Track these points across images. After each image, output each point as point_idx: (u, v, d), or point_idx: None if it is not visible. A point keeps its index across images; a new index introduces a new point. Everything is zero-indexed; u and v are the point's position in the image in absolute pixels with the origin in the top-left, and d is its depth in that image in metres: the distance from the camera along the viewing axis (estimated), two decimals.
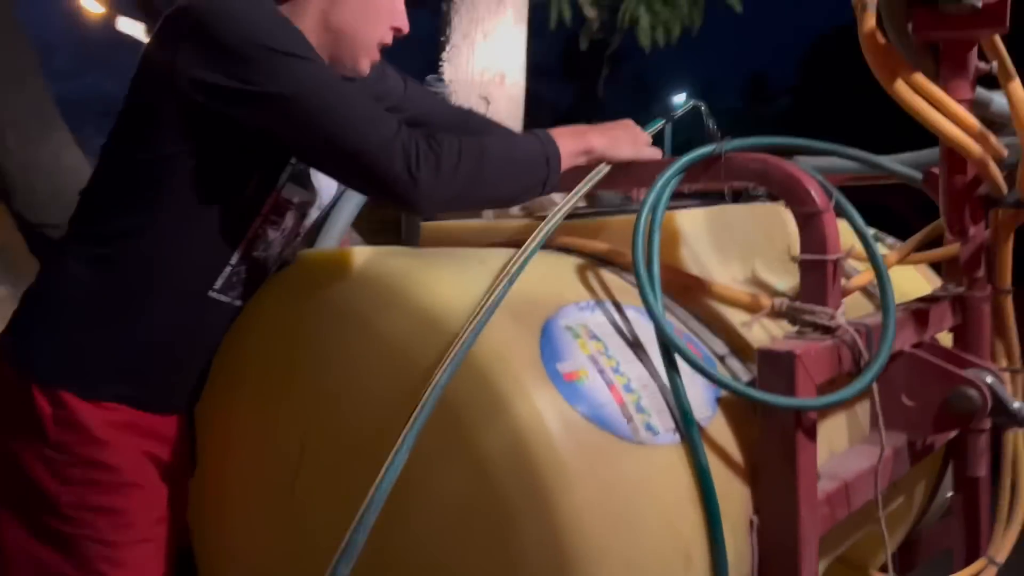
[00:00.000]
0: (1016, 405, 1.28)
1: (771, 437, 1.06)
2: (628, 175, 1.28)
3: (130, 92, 1.23)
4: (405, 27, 1.34)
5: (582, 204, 1.40)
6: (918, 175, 1.38)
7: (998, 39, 1.26)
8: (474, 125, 1.62)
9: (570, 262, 1.23)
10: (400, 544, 1.00)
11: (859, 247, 1.21)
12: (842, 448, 1.28)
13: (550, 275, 1.16)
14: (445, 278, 1.07)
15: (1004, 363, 1.50)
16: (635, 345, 1.08)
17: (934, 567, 1.75)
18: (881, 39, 1.21)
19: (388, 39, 1.34)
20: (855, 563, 1.49)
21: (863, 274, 1.40)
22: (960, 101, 1.23)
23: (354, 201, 1.53)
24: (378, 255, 1.10)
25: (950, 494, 1.68)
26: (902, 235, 1.78)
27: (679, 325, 1.17)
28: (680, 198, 1.32)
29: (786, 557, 1.04)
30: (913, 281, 1.71)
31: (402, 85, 1.56)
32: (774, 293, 1.33)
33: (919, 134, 1.34)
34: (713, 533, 1.00)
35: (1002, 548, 1.55)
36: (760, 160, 1.18)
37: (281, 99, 1.13)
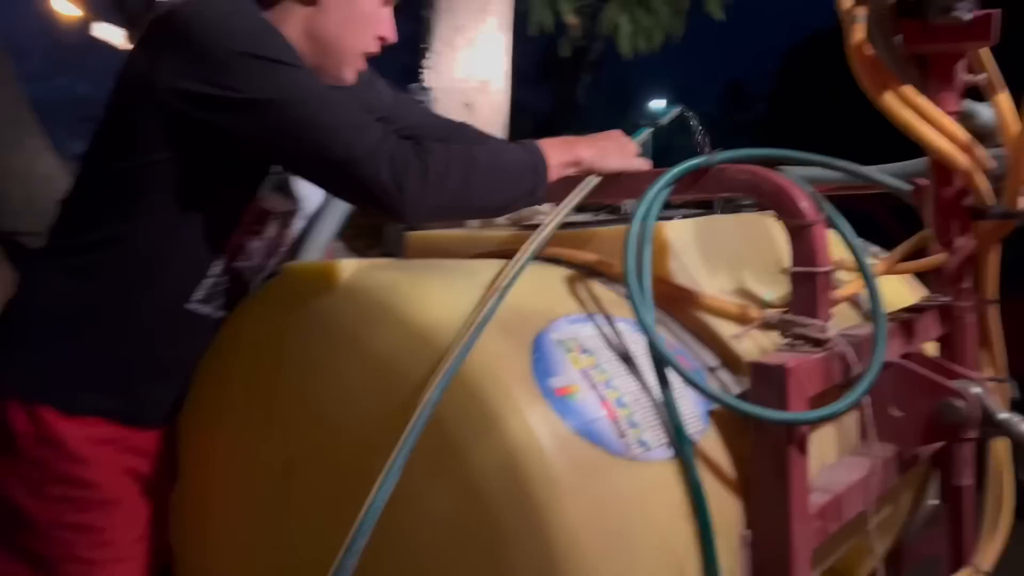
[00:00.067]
0: (1002, 416, 1.28)
1: (763, 451, 1.05)
2: (617, 186, 1.28)
3: (110, 101, 1.21)
4: (391, 36, 1.33)
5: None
6: (907, 186, 1.38)
7: (986, 51, 1.26)
8: (464, 137, 1.61)
9: (559, 273, 1.22)
10: (391, 562, 0.98)
11: (847, 256, 1.21)
12: (832, 459, 1.28)
13: (540, 287, 1.14)
14: (434, 292, 1.05)
15: (989, 373, 1.50)
16: (626, 359, 1.07)
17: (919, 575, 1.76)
18: (869, 51, 1.21)
19: (374, 48, 1.32)
20: (842, 573, 1.49)
21: (851, 284, 1.40)
22: (948, 113, 1.23)
23: (339, 210, 1.51)
24: (365, 268, 1.08)
25: (934, 502, 1.69)
26: (880, 241, 1.79)
27: (670, 337, 1.16)
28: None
29: (779, 572, 1.03)
30: (896, 288, 1.72)
31: (390, 95, 1.54)
32: (762, 304, 1.33)
33: (893, 139, 1.34)
34: (706, 549, 0.99)
35: (988, 557, 1.56)
36: (750, 172, 1.17)
37: (265, 106, 1.11)
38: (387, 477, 0.89)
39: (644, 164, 1.32)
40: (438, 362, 0.94)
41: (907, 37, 1.23)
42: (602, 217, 1.51)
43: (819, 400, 1.09)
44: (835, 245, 1.21)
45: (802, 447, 1.06)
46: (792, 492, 1.03)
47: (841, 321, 1.36)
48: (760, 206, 1.43)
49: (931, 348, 1.51)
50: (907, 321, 1.37)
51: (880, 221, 3.14)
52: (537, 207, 1.38)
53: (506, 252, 1.27)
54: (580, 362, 1.02)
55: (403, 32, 1.38)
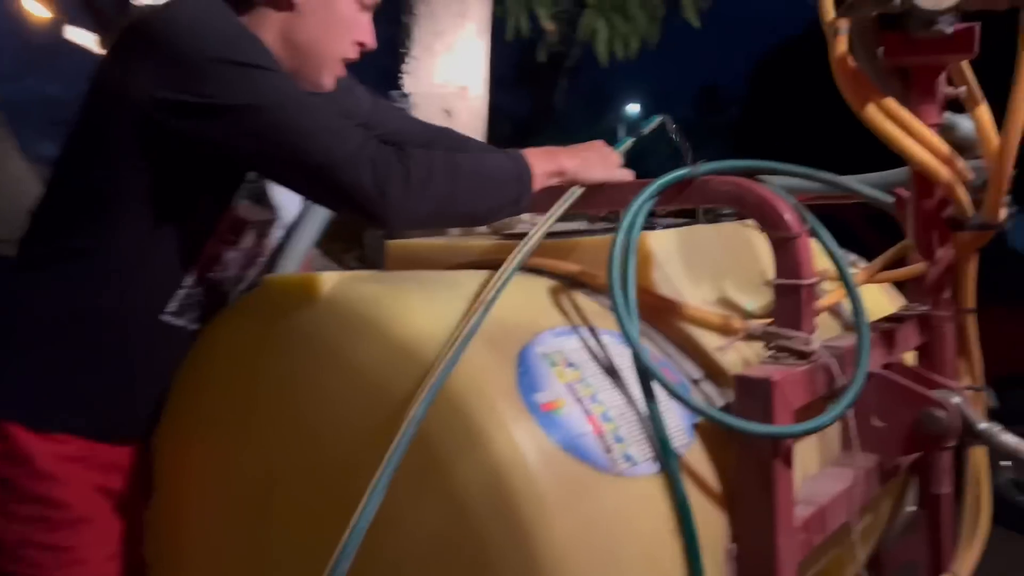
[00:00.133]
0: (982, 426, 1.29)
1: (748, 465, 1.05)
2: (600, 197, 1.27)
3: (82, 108, 1.18)
4: (370, 42, 1.31)
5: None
6: (888, 198, 1.39)
7: (967, 64, 1.27)
8: (446, 141, 1.60)
9: (542, 285, 1.21)
10: None
11: (828, 265, 1.22)
12: (814, 470, 1.28)
13: (524, 299, 1.13)
14: (417, 305, 1.04)
15: (967, 382, 1.52)
16: (611, 372, 1.06)
17: None
18: (852, 63, 1.21)
19: (353, 54, 1.30)
20: None
21: (832, 294, 1.40)
22: (929, 126, 1.23)
23: (318, 219, 1.49)
24: (346, 281, 1.06)
25: (911, 508, 1.70)
26: (855, 247, 1.80)
27: (653, 349, 1.16)
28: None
29: None
30: (874, 297, 1.73)
31: (369, 101, 1.53)
32: (745, 314, 1.32)
33: (865, 143, 1.34)
34: (692, 564, 0.98)
35: (966, 564, 1.57)
36: (734, 183, 1.17)
37: (242, 112, 1.09)
38: (372, 496, 0.87)
39: (627, 175, 1.32)
40: (422, 377, 0.93)
41: (889, 49, 1.23)
42: (584, 227, 1.50)
43: (803, 412, 1.09)
44: (815, 252, 1.21)
45: (787, 460, 1.06)
46: (777, 505, 1.03)
47: (822, 331, 1.37)
48: (741, 215, 1.43)
49: (910, 357, 1.52)
50: (888, 331, 1.37)
51: (856, 229, 3.17)
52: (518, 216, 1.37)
53: (488, 262, 1.26)
54: (565, 376, 1.01)
55: (382, 36, 1.36)
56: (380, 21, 1.34)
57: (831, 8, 1.24)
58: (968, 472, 1.58)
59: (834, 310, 1.49)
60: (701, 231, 1.46)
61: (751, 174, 1.21)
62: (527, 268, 1.28)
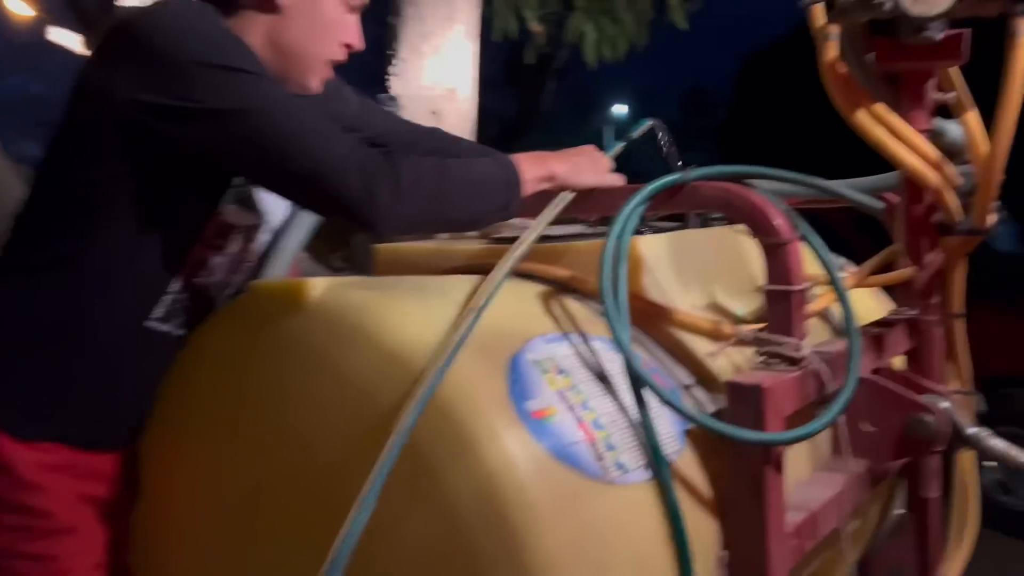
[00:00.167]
0: (971, 431, 1.29)
1: (739, 471, 1.04)
2: (591, 202, 1.26)
3: (66, 110, 1.16)
4: (358, 43, 1.30)
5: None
6: (878, 204, 1.39)
7: (956, 71, 1.28)
8: (436, 142, 1.59)
9: (533, 290, 1.20)
10: None
11: (818, 269, 1.22)
12: (805, 474, 1.28)
13: (514, 305, 1.13)
14: (407, 312, 1.03)
15: (955, 385, 1.52)
16: (602, 378, 1.06)
17: None
18: (842, 69, 1.21)
19: (340, 56, 1.29)
20: None
21: (822, 298, 1.40)
22: (919, 131, 1.24)
23: (306, 223, 1.48)
24: (335, 287, 1.05)
25: (900, 511, 1.71)
26: (841, 248, 1.80)
27: (644, 355, 1.15)
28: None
29: None
30: (863, 301, 1.73)
31: (357, 103, 1.51)
32: (735, 319, 1.32)
33: (849, 144, 1.34)
34: (684, 572, 0.98)
35: (954, 567, 1.58)
36: (725, 189, 1.17)
37: (228, 117, 1.08)
38: (362, 506, 0.87)
39: (617, 179, 1.31)
40: (412, 385, 0.92)
41: (879, 55, 1.23)
42: (576, 231, 1.49)
43: (794, 418, 1.09)
44: (805, 256, 1.21)
45: (778, 467, 1.06)
46: (769, 512, 1.03)
47: (811, 335, 1.37)
48: (730, 219, 1.43)
49: (898, 361, 1.52)
50: (877, 336, 1.38)
51: (841, 230, 3.18)
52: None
53: (477, 266, 1.25)
54: (556, 383, 1.00)
55: (368, 36, 1.35)
56: (366, 21, 1.33)
57: (821, 14, 1.24)
58: (956, 476, 1.59)
59: (823, 314, 1.49)
60: (691, 235, 1.46)
61: (741, 179, 1.20)
62: (517, 273, 1.27)
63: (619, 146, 1.40)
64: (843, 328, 1.24)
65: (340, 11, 1.25)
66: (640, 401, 1.02)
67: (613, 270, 1.09)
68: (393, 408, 0.92)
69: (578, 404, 0.99)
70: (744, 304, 1.38)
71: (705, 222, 1.59)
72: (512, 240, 1.20)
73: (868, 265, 1.51)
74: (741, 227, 1.35)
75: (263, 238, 1.38)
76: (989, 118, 1.23)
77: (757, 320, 1.28)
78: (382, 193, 1.08)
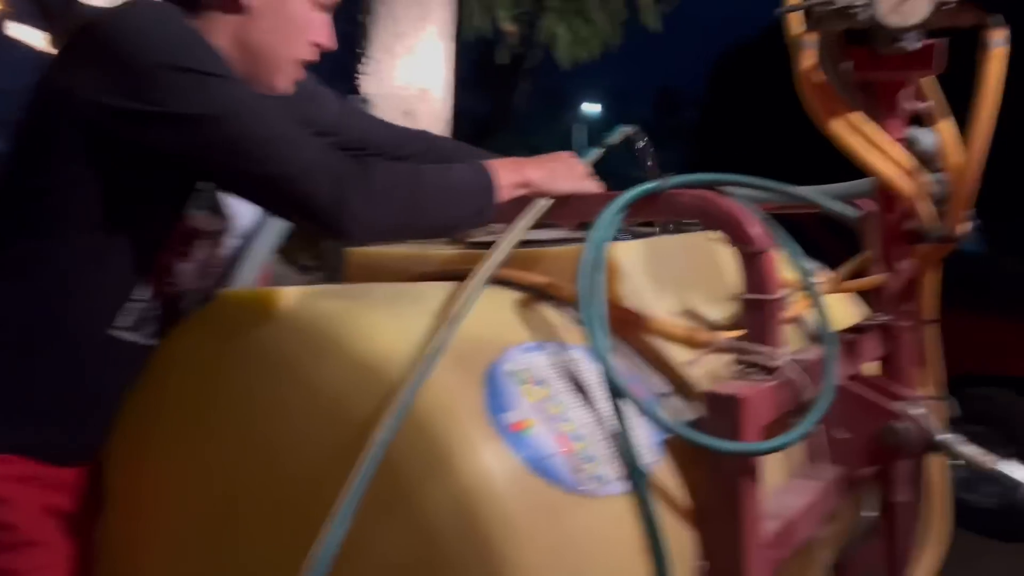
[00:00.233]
0: (943, 437, 1.30)
1: (717, 482, 1.04)
2: (567, 209, 1.25)
3: (28, 111, 1.13)
4: (328, 42, 1.27)
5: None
6: (853, 212, 1.39)
7: (931, 80, 1.28)
8: (420, 145, 1.56)
9: (509, 298, 1.19)
10: None
11: (792, 274, 1.22)
12: (780, 482, 1.28)
13: (490, 313, 1.11)
14: (381, 323, 1.01)
15: (927, 391, 1.53)
16: (580, 389, 1.05)
17: None
18: (818, 77, 1.21)
19: (310, 56, 1.26)
20: None
21: (796, 304, 1.40)
22: (894, 140, 1.24)
23: (275, 228, 1.45)
24: (307, 296, 1.03)
25: (870, 514, 1.72)
26: (811, 249, 1.80)
27: (621, 363, 1.14)
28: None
29: None
30: (836, 305, 1.74)
31: (336, 105, 1.49)
32: (710, 325, 1.32)
33: (817, 144, 1.35)
34: None
35: (925, 571, 1.59)
36: (701, 197, 1.16)
37: (195, 121, 1.05)
38: (337, 521, 0.85)
39: (594, 186, 1.30)
40: (387, 397, 0.90)
41: (856, 64, 1.24)
42: (552, 236, 1.48)
43: (771, 426, 1.08)
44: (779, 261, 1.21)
45: (755, 476, 1.05)
46: (746, 522, 1.03)
47: (787, 341, 1.37)
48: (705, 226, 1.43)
49: (871, 367, 1.53)
50: (851, 342, 1.38)
51: (812, 232, 3.21)
52: None
53: (452, 272, 1.24)
54: (534, 394, 0.99)
55: (338, 33, 1.32)
56: (336, 19, 1.31)
57: (798, 22, 1.24)
58: (927, 479, 1.60)
59: (798, 318, 1.49)
60: (666, 242, 1.46)
61: (718, 187, 1.20)
62: (493, 279, 1.26)
63: (595, 152, 1.40)
64: (818, 334, 1.24)
65: (309, 9, 1.23)
66: (618, 412, 1.01)
67: (590, 279, 1.08)
68: (368, 421, 0.90)
69: (556, 415, 0.98)
70: (720, 311, 1.38)
71: (678, 226, 1.59)
72: (487, 245, 1.18)
73: (843, 271, 1.52)
74: (715, 233, 1.35)
75: (231, 243, 1.35)
76: (965, 127, 1.24)
77: (733, 327, 1.28)
78: (353, 198, 1.06)
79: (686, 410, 1.16)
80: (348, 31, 2.72)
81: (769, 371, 1.11)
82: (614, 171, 1.52)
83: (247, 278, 1.40)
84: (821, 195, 1.39)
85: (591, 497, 0.95)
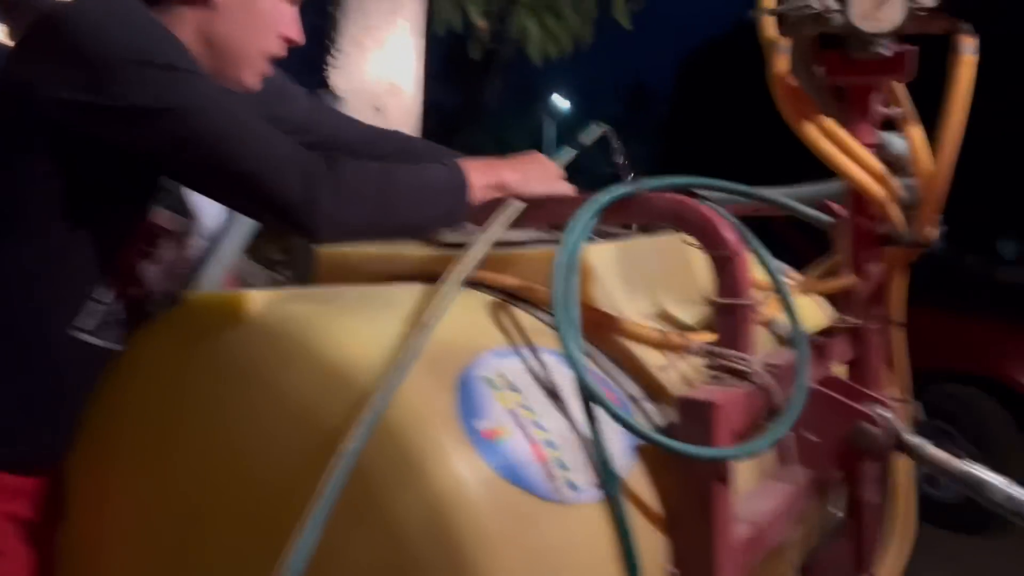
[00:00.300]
0: (911, 440, 1.31)
1: (689, 487, 1.04)
2: (540, 211, 1.24)
3: None
4: (296, 36, 1.25)
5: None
6: (827, 218, 1.40)
7: (902, 86, 1.29)
8: (392, 144, 1.54)
9: (482, 301, 1.18)
10: None
11: (762, 275, 1.22)
12: (751, 485, 1.28)
13: (463, 317, 1.10)
14: (352, 328, 0.99)
15: (894, 393, 1.55)
16: (554, 394, 1.04)
17: None
18: (792, 81, 1.22)
19: (278, 50, 1.24)
20: None
21: (768, 307, 1.41)
22: (865, 145, 1.25)
23: (243, 228, 1.42)
24: (276, 301, 1.01)
25: (836, 512, 1.74)
26: (778, 248, 1.81)
27: (594, 368, 1.14)
28: None
29: None
30: (805, 306, 1.75)
31: (306, 102, 1.46)
32: (682, 327, 1.32)
33: (783, 139, 1.35)
34: None
35: (889, 568, 1.61)
36: (675, 201, 1.16)
37: (159, 116, 1.02)
38: (307, 530, 0.83)
39: (567, 188, 1.29)
40: (358, 405, 0.88)
41: (828, 69, 1.24)
42: (523, 237, 1.47)
43: (743, 430, 1.08)
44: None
45: (727, 482, 1.06)
46: (718, 528, 1.02)
47: (757, 342, 1.37)
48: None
49: (839, 369, 1.54)
50: (821, 345, 1.39)
51: (782, 232, 3.23)
52: None
53: (425, 273, 1.22)
54: (507, 401, 0.98)
55: (307, 25, 1.30)
56: (305, 11, 1.28)
57: (772, 26, 1.24)
58: (893, 479, 1.62)
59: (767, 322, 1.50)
60: (639, 243, 1.45)
61: (691, 191, 1.20)
62: (465, 281, 1.24)
63: (569, 153, 1.39)
64: (789, 337, 1.25)
65: (277, 3, 1.20)
66: (592, 418, 1.00)
67: (565, 283, 1.07)
68: (338, 428, 0.88)
69: (529, 422, 0.97)
70: (692, 313, 1.38)
71: (645, 227, 1.58)
72: (460, 246, 1.17)
73: (813, 273, 1.53)
74: (686, 235, 1.34)
75: (196, 243, 1.32)
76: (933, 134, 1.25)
77: (705, 329, 1.28)
78: (323, 197, 1.04)
79: (658, 414, 1.16)
80: (317, 24, 2.68)
81: (742, 376, 1.11)
82: (585, 167, 1.52)
83: (214, 279, 1.37)
84: (794, 200, 1.40)
85: (564, 505, 0.94)
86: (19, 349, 1.09)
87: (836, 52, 1.22)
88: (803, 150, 1.32)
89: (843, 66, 1.22)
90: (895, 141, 1.30)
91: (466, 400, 0.94)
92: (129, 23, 1.05)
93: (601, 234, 1.41)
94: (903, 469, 1.60)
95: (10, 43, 1.21)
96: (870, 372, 1.48)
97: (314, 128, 1.42)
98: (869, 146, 1.28)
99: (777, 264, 1.36)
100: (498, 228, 1.16)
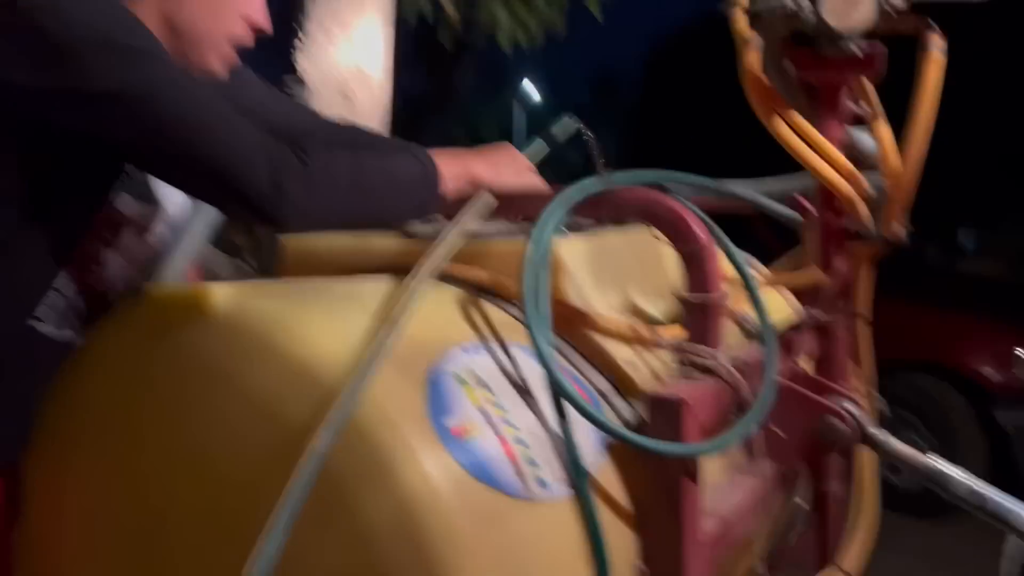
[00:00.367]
0: (876, 433, 1.33)
1: (658, 484, 1.04)
2: (509, 204, 1.23)
3: None
4: (263, 23, 1.23)
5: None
6: (797, 216, 1.41)
7: (871, 85, 1.30)
8: (344, 135, 1.52)
9: (451, 295, 1.17)
10: None
11: (730, 269, 1.23)
12: (718, 478, 1.29)
13: (432, 312, 1.09)
14: (319, 324, 0.97)
15: (858, 386, 1.57)
16: (523, 390, 1.03)
17: None
18: (762, 77, 1.22)
19: (244, 36, 1.22)
20: None
21: (735, 301, 1.41)
22: (834, 142, 1.26)
23: (208, 216, 1.39)
24: (240, 295, 0.99)
25: (801, 505, 1.76)
26: (746, 240, 1.82)
27: (564, 363, 1.13)
28: None
29: None
30: (772, 299, 1.76)
31: (261, 89, 1.44)
32: (651, 320, 1.32)
33: (752, 130, 1.36)
34: None
35: (853, 559, 1.64)
36: (644, 196, 1.16)
37: (120, 100, 1.00)
38: (273, 533, 0.82)
39: (538, 181, 1.29)
40: (324, 404, 0.87)
41: (799, 65, 1.25)
42: (491, 229, 1.46)
43: (712, 426, 1.09)
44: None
45: (695, 478, 1.06)
46: (686, 524, 1.03)
47: (724, 335, 1.38)
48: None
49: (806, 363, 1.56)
50: (789, 340, 1.40)
51: (748, 223, 3.25)
52: None
53: (393, 265, 1.21)
54: (477, 397, 0.97)
55: (273, 10, 1.27)
56: None
57: (743, 21, 1.24)
58: (856, 469, 1.64)
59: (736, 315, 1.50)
60: (609, 237, 1.45)
61: (660, 185, 1.20)
62: (434, 275, 1.23)
63: (539, 145, 1.38)
64: (757, 332, 1.25)
65: None
66: (562, 414, 1.00)
67: (535, 278, 1.07)
68: (305, 427, 0.87)
69: (499, 419, 0.96)
70: (658, 305, 1.38)
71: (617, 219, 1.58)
72: (429, 237, 1.16)
73: (780, 266, 1.54)
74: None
75: (160, 231, 1.29)
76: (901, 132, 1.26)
77: (674, 322, 1.28)
78: (291, 187, 1.03)
79: (627, 409, 1.16)
80: (282, 10, 2.64)
81: (710, 372, 1.11)
82: (554, 156, 1.51)
83: (177, 269, 1.34)
84: (764, 194, 1.40)
85: (534, 502, 0.94)
86: None
87: (807, 49, 1.22)
88: (772, 140, 1.33)
89: (814, 63, 1.23)
90: (864, 139, 1.31)
91: (435, 397, 0.93)
92: (89, 2, 1.02)
93: (572, 226, 1.41)
94: (868, 461, 1.63)
95: None
96: (836, 366, 1.49)
97: (267, 115, 1.40)
98: (838, 143, 1.28)
99: (745, 257, 1.37)
100: (468, 221, 1.15)
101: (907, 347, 4.06)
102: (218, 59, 1.19)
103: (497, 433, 0.95)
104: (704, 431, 1.06)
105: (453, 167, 1.19)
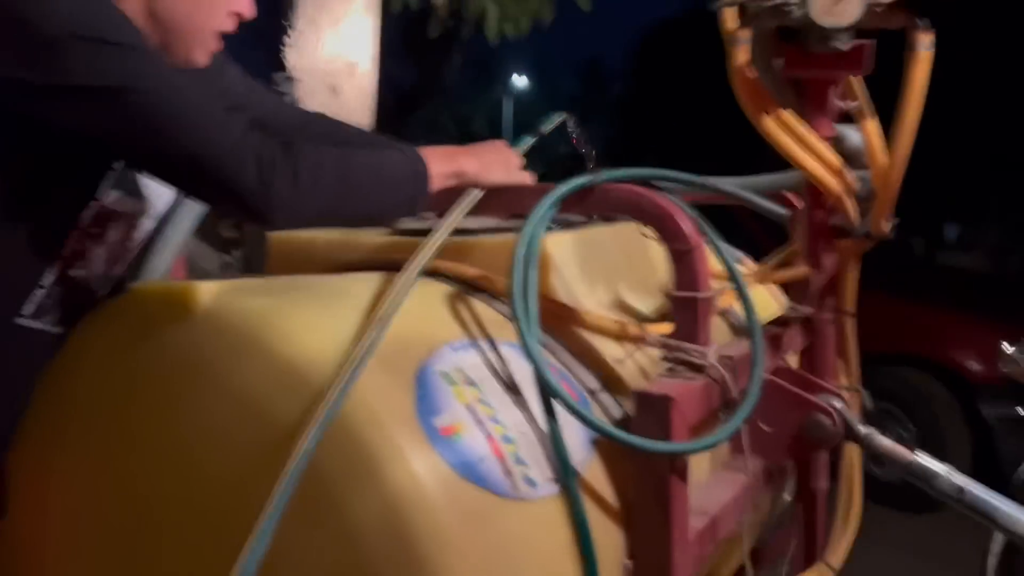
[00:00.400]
0: (861, 430, 1.34)
1: (645, 480, 1.04)
2: (499, 200, 1.23)
3: None
4: (247, 12, 1.21)
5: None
6: (784, 212, 1.41)
7: (859, 81, 1.30)
8: (325, 129, 1.51)
9: (439, 291, 1.16)
10: None
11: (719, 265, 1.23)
12: (705, 474, 1.30)
13: (421, 309, 1.08)
14: (307, 322, 0.97)
15: (844, 382, 1.57)
16: (511, 388, 1.03)
17: None
18: (751, 73, 1.22)
19: (227, 26, 1.20)
20: None
21: (723, 298, 1.41)
22: (822, 138, 1.26)
23: (193, 210, 1.38)
24: (228, 292, 0.98)
25: (787, 499, 1.77)
26: (736, 235, 1.83)
27: (553, 361, 1.13)
28: None
29: None
30: (760, 295, 1.76)
31: (243, 82, 1.42)
32: (640, 317, 1.32)
33: (739, 120, 1.36)
34: None
35: (838, 554, 1.65)
36: (634, 193, 1.16)
37: (106, 95, 0.99)
38: (261, 532, 0.81)
39: (527, 177, 1.28)
40: (313, 402, 0.87)
41: (787, 62, 1.25)
42: (480, 225, 1.46)
43: (699, 423, 1.09)
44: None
45: (683, 475, 1.06)
46: (673, 521, 1.03)
47: (713, 332, 1.38)
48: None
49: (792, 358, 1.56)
50: (776, 336, 1.40)
51: (738, 218, 3.26)
52: None
53: (381, 261, 1.20)
54: (465, 396, 0.97)
55: (260, 2, 1.26)
56: None
57: (732, 17, 1.24)
58: (843, 466, 1.65)
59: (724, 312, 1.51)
60: (597, 232, 1.45)
61: (650, 182, 1.20)
62: (423, 271, 1.23)
63: (529, 141, 1.37)
64: (745, 328, 1.25)
65: None
66: (550, 412, 1.00)
67: (523, 275, 1.06)
68: (293, 426, 0.86)
69: (487, 418, 0.96)
70: (647, 301, 1.38)
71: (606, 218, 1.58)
72: (417, 232, 1.15)
73: (769, 264, 1.54)
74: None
75: (146, 225, 1.28)
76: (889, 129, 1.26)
77: (662, 319, 1.28)
78: (279, 183, 1.02)
79: (615, 406, 1.16)
80: (270, 5, 2.61)
81: (699, 369, 1.11)
82: (543, 149, 1.50)
83: (162, 264, 1.33)
84: (752, 190, 1.41)
85: (522, 501, 0.94)
86: None
87: (795, 45, 1.22)
88: (756, 133, 1.32)
89: (802, 59, 1.23)
90: (851, 135, 1.31)
91: (423, 396, 0.93)
92: None
93: (561, 222, 1.40)
94: (852, 456, 1.63)
95: None
96: (823, 362, 1.50)
97: (249, 108, 1.38)
98: (826, 139, 1.29)
99: (733, 253, 1.37)
100: (456, 217, 1.15)
101: (892, 340, 4.08)
102: (201, 50, 1.18)
103: (485, 432, 0.95)
104: (692, 428, 1.07)
105: (442, 164, 1.19)
